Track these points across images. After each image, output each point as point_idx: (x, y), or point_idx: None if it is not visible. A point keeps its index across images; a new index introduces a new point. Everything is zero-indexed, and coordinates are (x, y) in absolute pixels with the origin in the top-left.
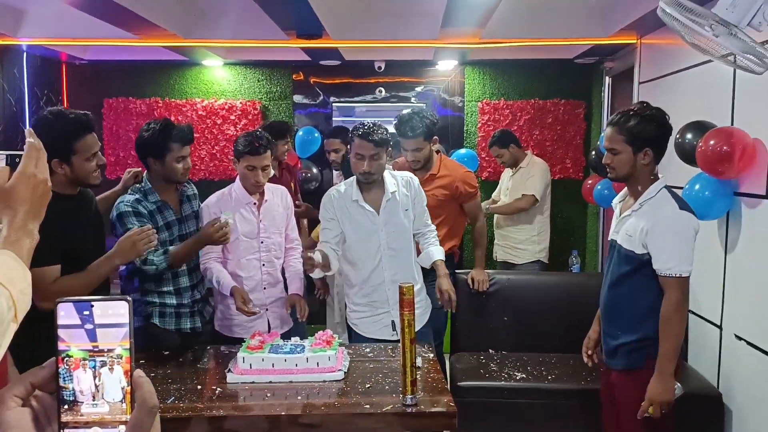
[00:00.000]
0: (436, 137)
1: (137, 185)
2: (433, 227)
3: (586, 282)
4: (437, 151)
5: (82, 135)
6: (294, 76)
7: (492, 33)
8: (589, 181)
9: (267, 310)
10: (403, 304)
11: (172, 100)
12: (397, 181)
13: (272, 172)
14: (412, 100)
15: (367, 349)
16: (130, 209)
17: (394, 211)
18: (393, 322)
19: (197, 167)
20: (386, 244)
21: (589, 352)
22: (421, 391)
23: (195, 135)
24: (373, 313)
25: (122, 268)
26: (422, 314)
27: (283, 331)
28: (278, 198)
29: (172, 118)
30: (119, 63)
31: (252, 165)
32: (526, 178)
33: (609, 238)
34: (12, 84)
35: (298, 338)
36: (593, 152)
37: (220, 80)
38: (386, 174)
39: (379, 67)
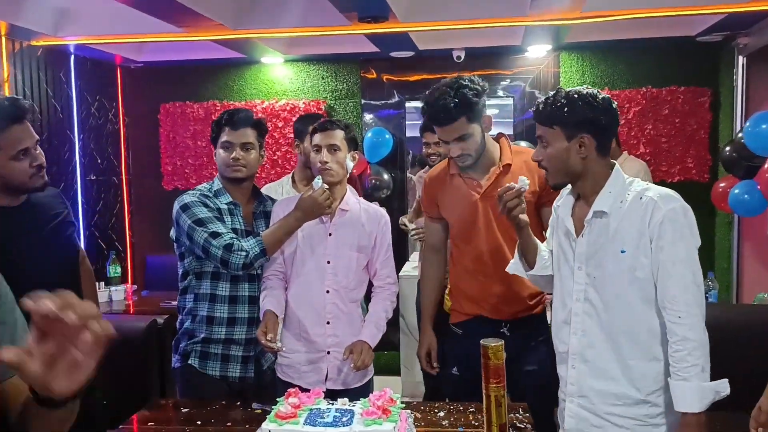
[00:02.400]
0: (488, 115)
1: (205, 184)
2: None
3: (732, 315)
4: (500, 136)
5: (5, 127)
6: (362, 72)
7: (596, 4)
8: (722, 184)
9: (329, 353)
10: (489, 372)
11: (231, 102)
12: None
13: (348, 165)
14: (499, 93)
15: (441, 413)
16: (197, 200)
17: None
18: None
19: (257, 174)
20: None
21: (759, 430)
22: None
23: None
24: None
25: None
26: None
27: (352, 386)
28: (367, 217)
29: None
30: (176, 65)
31: (318, 144)
32: None
33: None
34: (58, 89)
35: (346, 400)
36: (727, 148)
37: (281, 79)
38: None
39: (458, 57)
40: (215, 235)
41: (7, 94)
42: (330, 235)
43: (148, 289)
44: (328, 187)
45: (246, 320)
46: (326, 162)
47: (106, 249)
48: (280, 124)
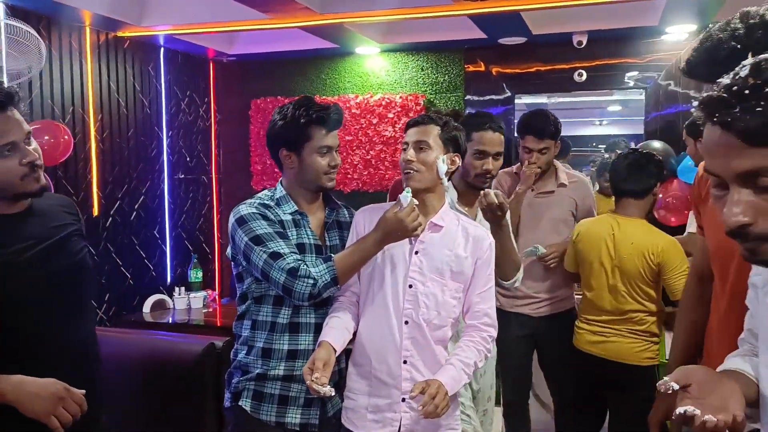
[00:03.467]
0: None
1: (266, 192)
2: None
3: None
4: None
5: None
6: (466, 62)
7: None
8: None
9: (404, 400)
10: None
11: (323, 97)
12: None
13: (440, 169)
14: (628, 84)
15: None
16: (256, 211)
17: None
18: None
19: (348, 176)
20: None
21: None
22: None
23: (348, 137)
24: None
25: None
26: None
27: None
28: (466, 237)
29: None
30: (267, 58)
31: (406, 141)
32: None
33: None
34: (146, 83)
35: None
36: None
37: (377, 71)
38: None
39: (579, 43)
40: (276, 256)
41: (91, 89)
42: (416, 253)
43: (233, 296)
44: (417, 203)
45: (311, 353)
46: (409, 161)
47: (193, 251)
48: (374, 121)
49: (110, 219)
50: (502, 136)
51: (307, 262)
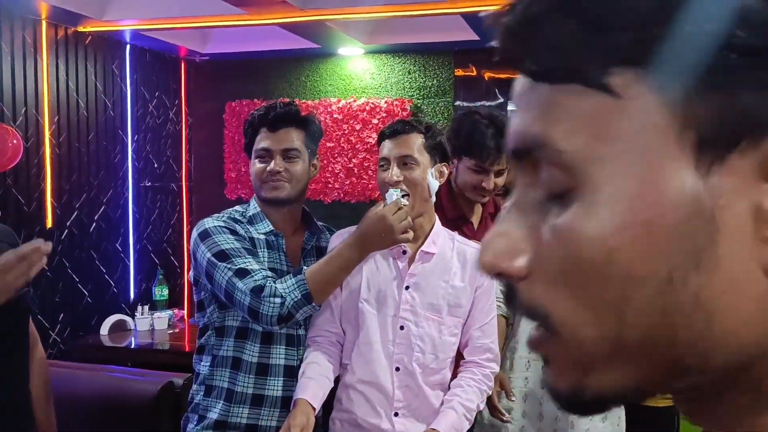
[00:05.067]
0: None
1: (238, 207)
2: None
3: None
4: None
5: None
6: (456, 66)
7: None
8: None
9: None
10: None
11: (303, 100)
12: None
13: (431, 185)
14: None
15: None
16: (223, 224)
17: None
18: None
19: (329, 185)
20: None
21: None
22: None
23: (329, 144)
24: None
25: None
26: None
27: None
28: (463, 263)
29: None
30: (244, 58)
31: (385, 157)
32: None
33: None
34: (109, 83)
35: None
36: None
37: (361, 74)
38: None
39: None
40: (243, 273)
41: (46, 89)
42: (407, 288)
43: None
44: (406, 202)
45: (279, 401)
46: (395, 181)
47: (159, 265)
48: (357, 127)
49: (66, 231)
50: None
51: (276, 280)
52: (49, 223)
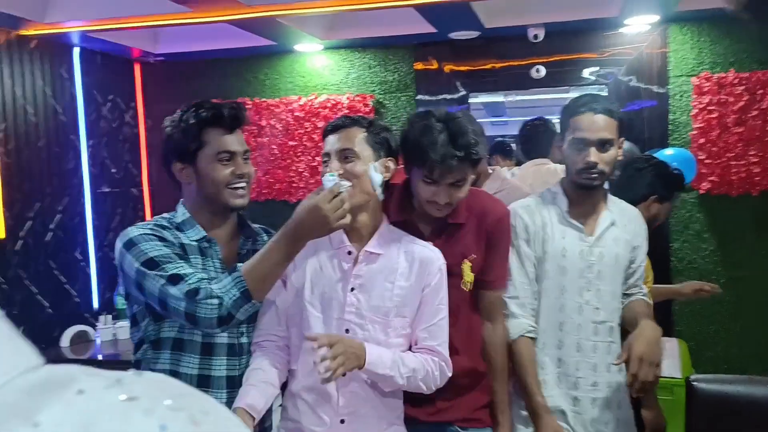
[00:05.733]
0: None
1: (165, 215)
2: None
3: None
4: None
5: None
6: (417, 59)
7: None
8: None
9: None
10: None
11: (263, 99)
12: None
13: (374, 180)
14: (589, 80)
15: None
16: (149, 232)
17: None
18: None
19: (294, 185)
20: None
21: None
22: None
23: (292, 143)
24: None
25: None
26: None
27: None
28: (411, 262)
29: (264, 123)
30: (200, 58)
31: (327, 152)
32: None
33: None
34: (58, 87)
35: None
36: None
37: (320, 70)
38: None
39: (536, 36)
40: (176, 279)
41: None
42: (352, 290)
43: None
44: (346, 185)
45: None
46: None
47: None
48: (320, 124)
49: (20, 242)
50: (611, 119)
51: (210, 282)
52: (0, 234)
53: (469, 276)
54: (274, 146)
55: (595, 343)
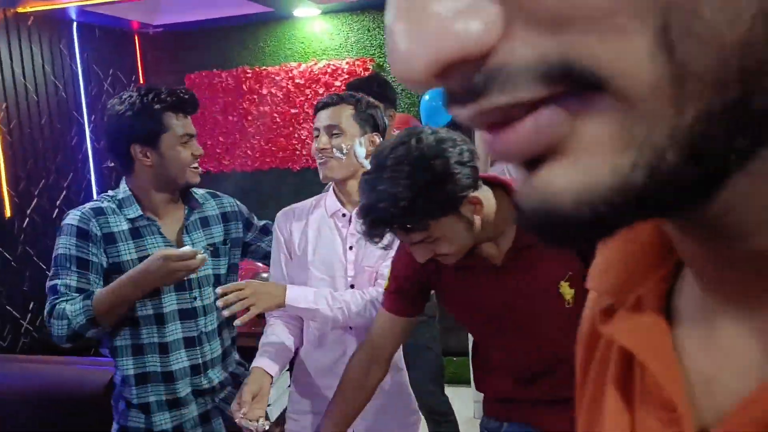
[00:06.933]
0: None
1: (110, 192)
2: None
3: None
4: None
5: None
6: None
7: None
8: None
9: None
10: None
11: (263, 67)
12: None
13: (358, 153)
14: None
15: None
16: (76, 224)
17: None
18: None
19: (297, 152)
20: None
21: None
22: None
23: (293, 111)
24: None
25: None
26: None
27: None
28: None
29: (265, 91)
30: (199, 27)
31: (316, 127)
32: None
33: None
34: (58, 63)
35: None
36: None
37: (319, 35)
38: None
39: None
40: (52, 291)
41: None
42: (350, 249)
43: None
44: (205, 256)
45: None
46: (323, 149)
47: None
48: (321, 91)
49: (27, 219)
50: None
51: (67, 301)
52: (7, 213)
53: (569, 293)
54: (275, 114)
55: None
